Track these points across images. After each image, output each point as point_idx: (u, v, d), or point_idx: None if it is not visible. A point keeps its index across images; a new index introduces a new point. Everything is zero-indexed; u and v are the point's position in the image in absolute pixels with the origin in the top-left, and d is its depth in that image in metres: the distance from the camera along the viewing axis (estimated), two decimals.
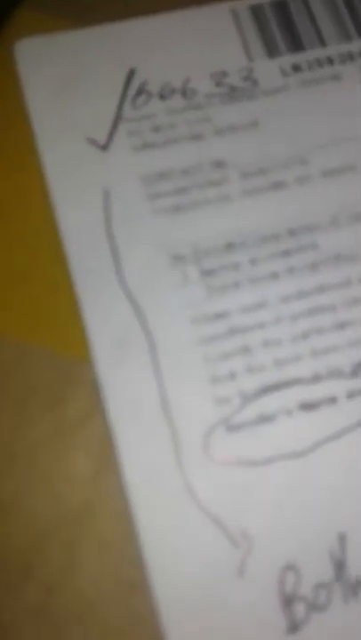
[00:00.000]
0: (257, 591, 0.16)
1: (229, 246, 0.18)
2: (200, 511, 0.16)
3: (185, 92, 0.20)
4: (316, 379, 0.17)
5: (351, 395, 0.17)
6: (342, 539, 0.16)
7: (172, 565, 0.16)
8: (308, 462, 0.17)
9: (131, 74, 0.20)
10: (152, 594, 0.16)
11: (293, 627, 0.16)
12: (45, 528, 0.16)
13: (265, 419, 0.17)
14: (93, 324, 0.17)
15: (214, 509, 0.16)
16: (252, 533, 0.16)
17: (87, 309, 0.17)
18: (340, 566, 0.16)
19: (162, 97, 0.20)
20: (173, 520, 0.16)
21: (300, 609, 0.16)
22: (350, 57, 0.20)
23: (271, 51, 0.20)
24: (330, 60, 0.20)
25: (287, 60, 0.20)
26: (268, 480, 0.16)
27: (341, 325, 0.18)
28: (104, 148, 0.19)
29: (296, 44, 0.20)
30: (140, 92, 0.19)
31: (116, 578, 0.16)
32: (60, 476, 0.16)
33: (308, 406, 0.17)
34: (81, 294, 0.17)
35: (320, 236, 0.19)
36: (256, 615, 0.16)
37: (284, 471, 0.17)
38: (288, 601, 0.16)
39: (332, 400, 0.17)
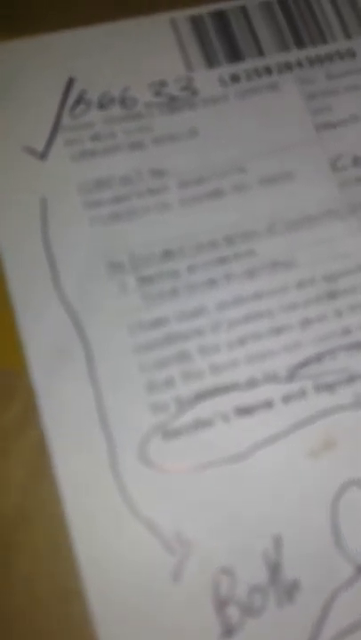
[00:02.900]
0: (192, 596, 0.16)
1: (167, 254, 0.18)
2: (135, 518, 0.16)
3: (124, 102, 0.20)
4: (252, 384, 0.17)
5: (287, 399, 0.17)
6: (278, 541, 0.16)
7: (107, 572, 0.16)
8: (245, 466, 0.17)
9: (70, 83, 0.20)
10: (87, 601, 0.16)
11: (228, 631, 0.16)
12: None
13: (202, 424, 0.17)
14: (30, 332, 0.17)
15: (150, 516, 0.16)
16: (188, 538, 0.16)
17: (23, 318, 0.17)
18: (275, 569, 0.16)
19: (101, 106, 0.20)
20: (108, 527, 0.16)
21: (234, 613, 0.16)
22: (288, 67, 0.21)
23: (210, 61, 0.21)
24: (268, 70, 0.21)
25: (226, 69, 0.21)
26: (204, 485, 0.17)
27: (278, 330, 0.18)
28: (42, 156, 0.19)
29: (235, 54, 0.21)
30: (78, 100, 0.20)
31: (50, 585, 0.16)
32: None
33: (244, 411, 0.17)
34: (17, 303, 0.17)
35: (257, 243, 0.19)
36: (191, 620, 0.16)
37: (221, 475, 0.17)
38: (222, 605, 0.16)
39: (268, 404, 0.17)
